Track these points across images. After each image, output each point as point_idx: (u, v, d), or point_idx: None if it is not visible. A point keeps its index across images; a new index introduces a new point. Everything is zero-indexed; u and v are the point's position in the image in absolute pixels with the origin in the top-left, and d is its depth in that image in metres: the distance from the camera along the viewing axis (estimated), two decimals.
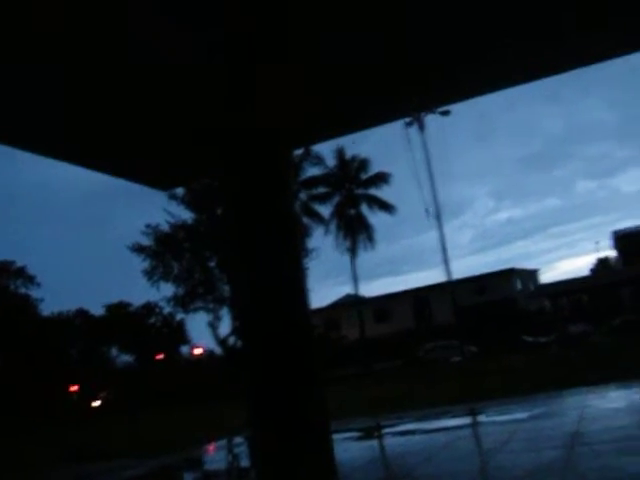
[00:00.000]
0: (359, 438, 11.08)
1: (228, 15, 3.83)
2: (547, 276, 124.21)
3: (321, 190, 52.60)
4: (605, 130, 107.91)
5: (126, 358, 58.13)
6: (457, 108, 44.27)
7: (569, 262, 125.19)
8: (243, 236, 3.65)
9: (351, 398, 19.55)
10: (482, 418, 11.09)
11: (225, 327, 43.70)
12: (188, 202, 41.48)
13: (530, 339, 47.15)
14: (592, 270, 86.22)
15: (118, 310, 56.57)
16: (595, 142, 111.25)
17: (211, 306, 43.60)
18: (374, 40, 4.57)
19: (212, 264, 42.90)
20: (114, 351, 57.95)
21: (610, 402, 9.43)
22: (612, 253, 79.46)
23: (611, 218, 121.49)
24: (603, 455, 5.53)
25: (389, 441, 10.20)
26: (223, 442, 13.92)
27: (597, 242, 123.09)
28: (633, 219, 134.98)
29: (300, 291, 3.62)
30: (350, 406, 16.24)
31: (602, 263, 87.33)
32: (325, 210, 52.53)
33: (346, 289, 63.90)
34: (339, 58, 4.76)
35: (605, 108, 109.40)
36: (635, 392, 10.55)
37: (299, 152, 44.56)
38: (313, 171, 50.84)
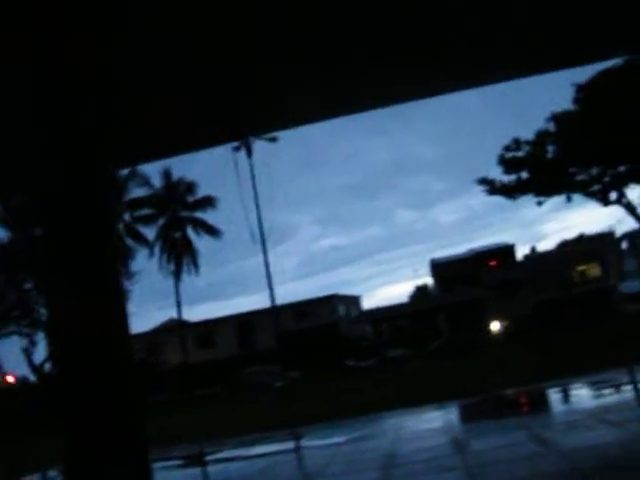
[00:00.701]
0: (180, 466, 10.84)
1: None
2: (369, 302, 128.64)
3: (146, 212, 51.53)
4: (425, 164, 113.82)
5: None
6: (285, 135, 45.00)
7: (390, 289, 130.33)
8: (60, 257, 3.47)
9: (172, 425, 19.11)
10: (303, 442, 11.20)
11: (41, 353, 41.51)
12: (3, 220, 39.33)
13: (352, 363, 48.44)
14: (411, 297, 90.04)
15: None
16: (415, 175, 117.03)
17: (26, 330, 41.31)
18: (196, 66, 4.57)
19: (28, 286, 40.73)
20: None
21: (424, 423, 9.83)
22: (430, 280, 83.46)
23: (429, 247, 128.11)
24: (417, 474, 5.75)
25: (211, 468, 10.05)
26: (36, 476, 13.14)
27: (416, 270, 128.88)
28: (450, 248, 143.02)
29: (120, 315, 3.50)
30: (170, 433, 15.85)
31: (420, 290, 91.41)
32: (150, 232, 51.51)
33: (170, 313, 62.65)
34: (163, 84, 4.72)
35: (425, 143, 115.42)
36: (448, 413, 11.07)
37: (125, 172, 43.48)
38: (139, 192, 49.78)
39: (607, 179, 37.15)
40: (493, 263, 62.23)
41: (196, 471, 10.21)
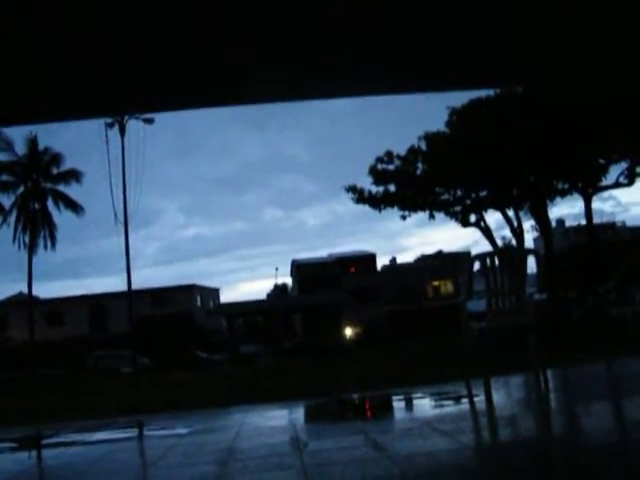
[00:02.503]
0: (12, 449, 10.43)
1: None
2: (227, 296, 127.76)
3: (6, 178, 49.27)
4: (298, 165, 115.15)
5: None
6: (161, 118, 44.12)
7: (249, 285, 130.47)
8: None
9: (10, 405, 18.37)
10: (145, 431, 11.07)
11: None
12: None
13: (204, 355, 48.18)
14: (269, 295, 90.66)
15: None
16: (287, 174, 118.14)
17: None
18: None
19: None
20: None
21: (268, 420, 9.94)
22: (289, 280, 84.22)
23: (293, 247, 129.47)
24: (254, 470, 5.83)
25: (46, 453, 9.73)
26: None
27: (277, 268, 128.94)
28: (313, 250, 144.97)
29: None
30: (6, 414, 15.25)
31: (279, 289, 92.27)
32: (7, 200, 49.27)
33: (20, 287, 59.99)
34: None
35: (301, 144, 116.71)
36: (293, 412, 11.26)
37: None
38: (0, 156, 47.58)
39: (468, 202, 38.87)
40: (353, 270, 63.57)
41: (34, 454, 9.87)
